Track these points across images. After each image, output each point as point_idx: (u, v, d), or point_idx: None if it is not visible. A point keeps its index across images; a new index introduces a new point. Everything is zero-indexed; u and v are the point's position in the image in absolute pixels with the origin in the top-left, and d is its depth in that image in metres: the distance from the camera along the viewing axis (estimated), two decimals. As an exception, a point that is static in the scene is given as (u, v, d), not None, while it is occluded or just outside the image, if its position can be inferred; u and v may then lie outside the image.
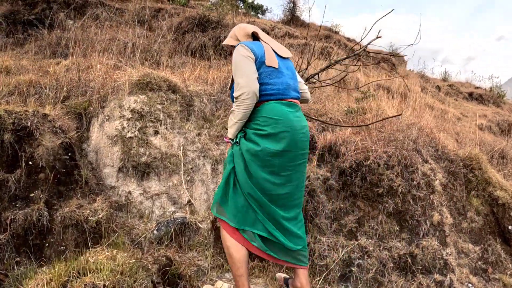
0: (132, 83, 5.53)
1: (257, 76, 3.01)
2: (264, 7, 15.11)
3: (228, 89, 4.81)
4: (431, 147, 5.59)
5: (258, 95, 2.99)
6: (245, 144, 3.07)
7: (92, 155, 4.89)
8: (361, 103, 6.14)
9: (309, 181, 4.43)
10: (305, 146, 3.22)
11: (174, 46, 8.43)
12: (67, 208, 3.77)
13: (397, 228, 4.48)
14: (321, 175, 4.60)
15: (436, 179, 4.98)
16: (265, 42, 3.26)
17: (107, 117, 5.16)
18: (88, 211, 3.77)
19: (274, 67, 3.09)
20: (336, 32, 11.06)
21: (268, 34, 8.95)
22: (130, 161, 4.95)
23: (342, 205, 4.50)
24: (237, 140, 3.15)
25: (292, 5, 11.12)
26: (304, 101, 3.66)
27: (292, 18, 11.04)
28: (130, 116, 5.17)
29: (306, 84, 4.28)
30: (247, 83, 2.94)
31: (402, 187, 4.48)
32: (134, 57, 8.03)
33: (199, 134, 5.38)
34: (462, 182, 5.52)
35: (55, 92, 5.51)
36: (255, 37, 3.36)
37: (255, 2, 15.06)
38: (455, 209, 5.13)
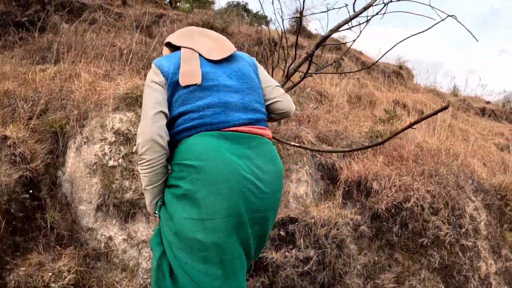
0: (119, 97, 4.43)
1: (161, 109, 1.82)
2: (268, 18, 14.13)
3: None
4: (470, 178, 4.53)
5: (162, 142, 1.79)
6: (164, 216, 1.87)
7: (67, 186, 3.73)
8: (387, 124, 5.08)
9: (337, 229, 3.33)
10: (268, 205, 1.88)
11: (175, 54, 7.34)
12: (24, 268, 2.66)
13: (442, 287, 3.41)
14: (350, 220, 3.51)
15: (481, 221, 3.91)
16: (188, 48, 2.00)
17: (85, 139, 3.96)
18: (49, 273, 2.65)
19: (194, 85, 1.86)
20: (344, 44, 10.07)
21: (276, 44, 7.88)
22: (111, 198, 3.73)
23: (376, 258, 3.41)
24: (156, 211, 1.96)
25: (299, 15, 10.05)
26: (280, 114, 2.20)
27: (297, 29, 10.00)
28: (114, 139, 3.99)
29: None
30: (142, 128, 1.82)
31: (450, 236, 3.41)
32: (130, 64, 6.96)
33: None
34: (497, 215, 4.46)
35: (31, 105, 4.41)
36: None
37: (259, 13, 14.04)
38: (490, 247, 4.06)
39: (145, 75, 6.69)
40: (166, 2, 10.58)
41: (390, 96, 7.51)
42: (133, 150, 1.91)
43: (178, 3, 10.61)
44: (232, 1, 13.95)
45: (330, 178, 4.47)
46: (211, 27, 7.50)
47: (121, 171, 3.90)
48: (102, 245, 3.43)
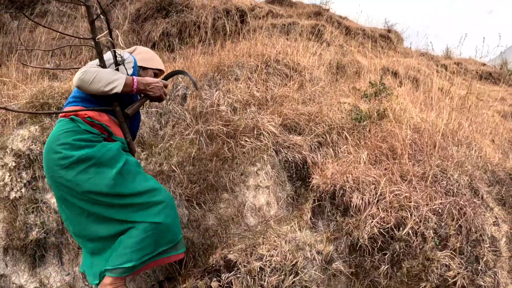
0: (25, 107, 3.08)
1: None
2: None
3: None
4: (483, 168, 3.10)
5: None
6: None
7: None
8: (373, 101, 3.63)
9: (296, 274, 1.97)
10: (51, 167, 1.91)
11: (131, 38, 5.89)
12: None
13: None
14: (318, 251, 2.15)
15: (503, 237, 2.52)
16: None
17: None
18: None
19: None
20: (326, 10, 8.46)
21: (246, 15, 6.36)
22: (16, 237, 2.61)
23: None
24: None
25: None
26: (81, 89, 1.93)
27: (278, -2, 8.48)
28: (14, 163, 2.76)
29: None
30: None
31: (462, 277, 2.03)
32: (79, 55, 5.56)
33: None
34: (512, 206, 3.07)
35: None
36: None
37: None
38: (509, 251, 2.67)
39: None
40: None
41: (379, 64, 5.96)
42: None
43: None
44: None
45: (300, 178, 3.09)
46: (170, 3, 6.01)
47: (25, 203, 2.71)
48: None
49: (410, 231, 2.03)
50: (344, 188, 2.34)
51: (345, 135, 3.13)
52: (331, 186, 2.39)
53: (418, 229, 2.04)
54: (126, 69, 2.01)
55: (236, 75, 3.89)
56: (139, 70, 2.22)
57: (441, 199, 2.20)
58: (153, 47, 5.71)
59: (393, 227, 2.08)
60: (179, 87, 3.58)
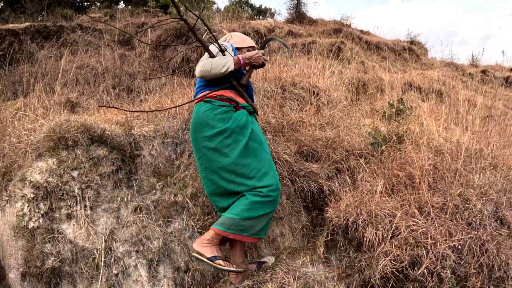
0: (43, 140, 3.17)
1: None
2: (273, 10, 12.51)
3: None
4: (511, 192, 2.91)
5: None
6: None
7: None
8: (392, 122, 3.50)
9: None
10: (198, 139, 2.48)
11: (153, 64, 6.01)
12: None
13: None
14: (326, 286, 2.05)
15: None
16: None
17: (8, 197, 2.89)
18: None
19: None
20: (348, 26, 8.34)
21: (265, 36, 6.36)
22: (33, 265, 2.64)
23: None
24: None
25: (296, 2, 8.49)
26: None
27: (298, 16, 8.41)
28: (32, 195, 2.82)
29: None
30: None
31: None
32: (102, 83, 5.70)
33: (136, 210, 2.93)
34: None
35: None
36: None
37: (263, 6, 12.45)
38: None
39: (118, 94, 5.42)
40: (159, 9, 9.24)
41: (401, 79, 5.80)
42: None
43: (169, 8, 9.24)
44: (234, -2, 12.43)
45: (317, 207, 3.01)
46: (188, 30, 6.07)
47: (42, 232, 2.77)
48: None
49: (425, 271, 1.90)
50: (357, 222, 2.24)
51: (363, 161, 3.03)
52: (344, 220, 2.29)
53: (434, 268, 1.91)
54: (229, 53, 2.49)
55: (252, 101, 3.87)
56: (236, 52, 2.66)
57: (461, 234, 2.06)
58: (173, 72, 5.79)
59: (406, 266, 1.96)
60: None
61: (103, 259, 2.68)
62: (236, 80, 2.54)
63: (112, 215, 2.90)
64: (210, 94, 2.48)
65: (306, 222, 2.88)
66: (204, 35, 2.60)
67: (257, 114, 2.76)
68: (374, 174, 2.79)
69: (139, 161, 3.32)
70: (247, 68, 2.66)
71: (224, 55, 2.49)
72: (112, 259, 2.72)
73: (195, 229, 2.85)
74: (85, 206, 2.87)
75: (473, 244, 1.99)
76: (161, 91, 5.26)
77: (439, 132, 3.62)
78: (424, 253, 1.95)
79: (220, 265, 2.21)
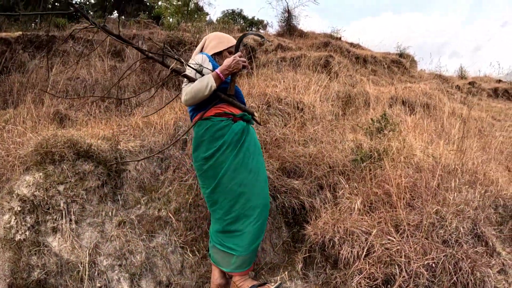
0: (31, 154, 3.18)
1: None
2: (265, 22, 12.63)
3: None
4: (494, 204, 2.99)
5: None
6: None
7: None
8: (375, 139, 3.56)
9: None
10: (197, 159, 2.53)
11: (143, 77, 6.04)
12: None
13: None
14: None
15: (510, 285, 2.39)
16: None
17: None
18: None
19: None
20: (338, 39, 8.45)
21: (254, 51, 6.43)
22: (19, 276, 2.65)
23: None
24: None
25: (287, 15, 8.59)
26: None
27: (289, 29, 8.51)
28: (19, 208, 2.84)
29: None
30: None
31: None
32: (93, 95, 5.71)
33: (120, 224, 2.95)
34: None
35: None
36: None
37: (256, 18, 12.57)
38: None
39: (107, 107, 5.43)
40: (151, 20, 9.30)
41: (387, 93, 5.88)
42: None
43: (163, 20, 9.30)
44: (227, 10, 12.54)
45: (298, 223, 3.05)
46: (180, 42, 6.15)
47: (29, 245, 2.78)
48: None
49: (398, 289, 1.94)
50: (334, 239, 2.28)
51: (343, 178, 3.07)
52: (321, 237, 2.33)
53: (407, 286, 1.95)
54: (207, 68, 2.44)
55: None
56: (215, 57, 2.61)
57: (436, 252, 2.11)
58: (162, 86, 5.82)
59: (380, 284, 2.00)
60: (179, 132, 3.63)
61: (87, 273, 2.70)
62: (223, 92, 2.51)
63: (97, 229, 2.92)
64: (205, 115, 2.47)
65: (287, 238, 2.92)
66: (172, 65, 2.55)
67: (255, 116, 2.74)
68: (354, 191, 2.84)
69: (125, 176, 3.34)
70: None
71: (202, 74, 2.44)
72: (96, 272, 2.74)
73: (178, 243, 2.87)
74: (71, 220, 2.89)
75: (447, 262, 2.03)
76: (149, 105, 5.29)
77: (421, 147, 3.68)
78: (398, 271, 1.99)
79: None
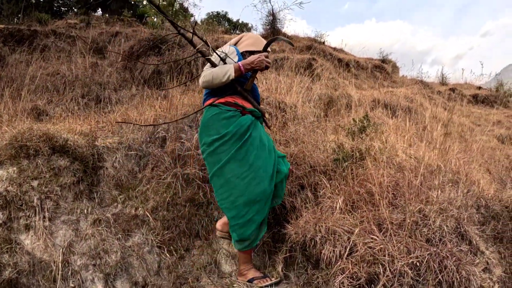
0: (5, 148, 3.01)
1: None
2: (250, 25, 12.57)
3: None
4: (476, 204, 2.94)
5: None
6: None
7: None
8: (357, 139, 3.50)
9: None
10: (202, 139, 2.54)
11: (124, 75, 5.87)
12: None
13: None
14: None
15: (495, 284, 2.33)
16: None
17: None
18: None
19: None
20: (322, 43, 8.43)
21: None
22: None
23: None
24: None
25: (272, 18, 8.52)
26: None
27: (273, 32, 8.43)
28: None
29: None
30: None
31: None
32: (72, 92, 5.51)
33: (95, 222, 2.80)
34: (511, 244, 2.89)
35: None
36: None
37: (240, 21, 12.49)
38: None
39: (86, 104, 5.26)
40: (135, 19, 9.12)
41: (370, 96, 5.85)
42: None
43: (147, 19, 9.12)
44: (212, 12, 12.42)
45: (278, 223, 2.95)
46: (163, 41, 6.01)
47: (1, 242, 2.59)
48: None
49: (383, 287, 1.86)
50: (315, 239, 2.19)
51: (324, 177, 2.99)
52: (302, 236, 2.24)
53: (391, 286, 1.87)
54: (232, 59, 2.47)
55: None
56: (246, 54, 2.63)
57: (420, 251, 2.04)
58: (144, 83, 5.68)
59: (364, 283, 1.91)
60: (159, 129, 3.50)
61: (60, 272, 2.55)
62: (240, 85, 2.54)
63: (71, 227, 2.77)
64: (217, 101, 2.50)
65: (267, 238, 2.81)
66: (198, 46, 2.51)
67: (265, 117, 2.75)
68: (336, 191, 2.76)
69: (102, 173, 3.19)
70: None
71: (226, 63, 2.48)
72: (70, 272, 2.59)
73: (154, 243, 2.74)
74: (44, 217, 2.73)
75: (432, 260, 1.96)
76: (130, 102, 5.14)
77: (403, 148, 3.63)
78: (381, 270, 1.91)
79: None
